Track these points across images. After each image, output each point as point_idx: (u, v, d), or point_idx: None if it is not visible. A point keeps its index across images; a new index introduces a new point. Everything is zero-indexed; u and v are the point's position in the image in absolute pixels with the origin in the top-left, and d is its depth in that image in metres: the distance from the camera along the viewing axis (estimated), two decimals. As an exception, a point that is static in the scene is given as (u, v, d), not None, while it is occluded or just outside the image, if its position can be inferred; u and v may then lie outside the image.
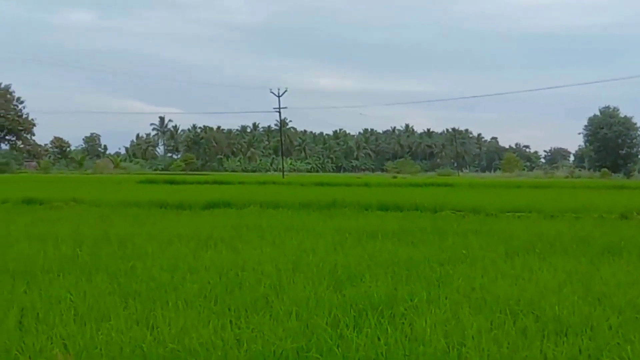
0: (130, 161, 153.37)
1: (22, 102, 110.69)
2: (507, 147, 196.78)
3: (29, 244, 9.87)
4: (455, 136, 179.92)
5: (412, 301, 6.10)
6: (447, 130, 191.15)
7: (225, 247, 9.99)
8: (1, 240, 10.29)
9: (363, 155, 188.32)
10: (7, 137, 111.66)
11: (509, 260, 8.90)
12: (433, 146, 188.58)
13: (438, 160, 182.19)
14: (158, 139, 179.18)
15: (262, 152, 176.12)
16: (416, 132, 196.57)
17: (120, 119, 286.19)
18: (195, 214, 17.67)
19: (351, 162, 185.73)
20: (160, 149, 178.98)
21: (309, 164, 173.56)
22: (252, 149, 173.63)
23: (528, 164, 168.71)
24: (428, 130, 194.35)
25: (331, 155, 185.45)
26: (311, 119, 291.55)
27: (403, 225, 13.76)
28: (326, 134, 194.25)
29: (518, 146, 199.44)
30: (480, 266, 8.31)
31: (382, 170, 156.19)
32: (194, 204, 20.36)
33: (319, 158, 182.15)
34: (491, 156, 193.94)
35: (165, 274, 7.30)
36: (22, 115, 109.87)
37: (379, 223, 14.36)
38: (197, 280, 6.98)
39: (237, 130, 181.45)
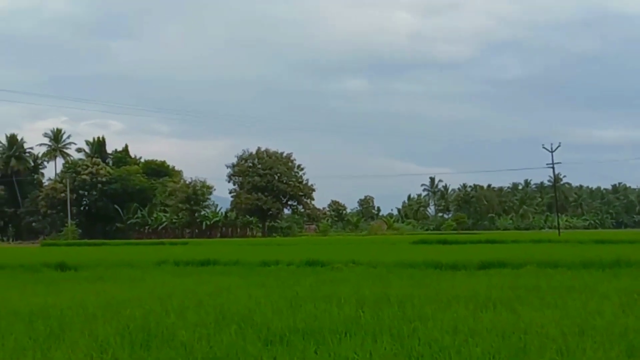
0: (403, 222, 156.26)
1: (302, 169, 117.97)
2: None
3: (314, 304, 10.33)
4: None
5: None
6: None
7: (504, 308, 9.74)
8: (290, 301, 10.89)
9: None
10: (289, 203, 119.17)
11: None
12: None
13: None
14: (429, 200, 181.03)
15: (535, 209, 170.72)
16: None
17: (392, 180, 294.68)
18: (470, 274, 17.49)
19: (633, 218, 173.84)
20: (431, 209, 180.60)
21: (586, 220, 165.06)
22: (524, 207, 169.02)
23: None
24: None
25: (610, 211, 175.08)
26: (587, 173, 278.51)
27: (702, 286, 12.53)
28: (604, 189, 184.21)
29: None
30: None
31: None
32: (468, 263, 20.18)
33: (597, 214, 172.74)
34: None
35: (446, 336, 7.26)
36: (302, 182, 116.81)
37: (672, 283, 13.22)
38: (479, 343, 6.86)
39: (508, 187, 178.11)
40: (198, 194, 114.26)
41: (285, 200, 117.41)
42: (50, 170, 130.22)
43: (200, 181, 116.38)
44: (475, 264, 20.07)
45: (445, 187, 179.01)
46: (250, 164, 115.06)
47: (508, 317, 8.76)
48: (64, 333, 7.90)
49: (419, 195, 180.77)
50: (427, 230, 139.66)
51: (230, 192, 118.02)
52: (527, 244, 40.34)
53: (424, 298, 11.02)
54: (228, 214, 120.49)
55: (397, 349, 6.66)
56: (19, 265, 23.50)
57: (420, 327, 7.91)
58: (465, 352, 6.46)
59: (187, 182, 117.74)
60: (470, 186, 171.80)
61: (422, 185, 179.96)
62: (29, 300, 11.73)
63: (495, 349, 6.59)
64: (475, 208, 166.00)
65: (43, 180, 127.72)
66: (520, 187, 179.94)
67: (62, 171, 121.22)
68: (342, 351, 6.53)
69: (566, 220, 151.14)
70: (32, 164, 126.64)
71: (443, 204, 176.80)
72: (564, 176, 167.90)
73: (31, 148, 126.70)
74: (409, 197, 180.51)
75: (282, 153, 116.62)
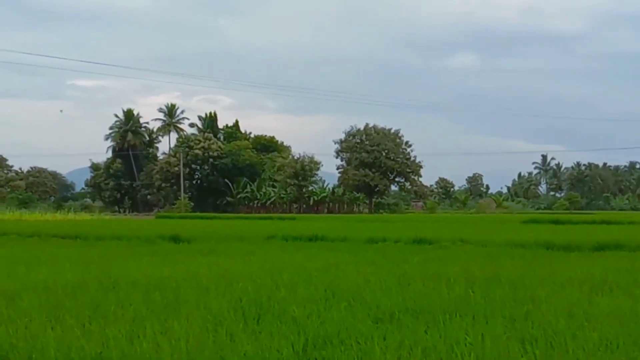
0: (512, 200, 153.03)
1: (410, 146, 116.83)
2: None
3: (423, 283, 10.29)
4: None
5: None
6: None
7: (621, 292, 9.41)
8: (399, 279, 10.87)
9: None
10: (396, 179, 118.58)
11: None
12: None
13: None
14: (540, 178, 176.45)
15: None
16: None
17: (501, 158, 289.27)
18: (584, 255, 16.97)
19: None
20: (542, 188, 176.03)
21: None
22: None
23: None
24: None
25: None
26: None
27: None
28: None
29: None
30: None
31: None
32: (582, 245, 19.58)
33: None
34: None
35: (561, 319, 7.08)
36: (409, 158, 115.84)
37: None
38: (596, 328, 6.66)
39: (624, 166, 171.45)
40: (306, 169, 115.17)
41: (392, 177, 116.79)
42: (165, 145, 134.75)
43: (308, 157, 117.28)
44: (589, 245, 19.45)
45: (558, 165, 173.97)
46: (358, 140, 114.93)
47: (626, 302, 8.47)
48: (179, 305, 8.16)
49: (530, 174, 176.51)
50: (538, 209, 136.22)
51: (337, 168, 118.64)
52: (644, 225, 38.76)
53: (536, 279, 10.78)
54: (335, 190, 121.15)
55: (510, 332, 6.53)
56: (135, 237, 24.39)
57: (533, 310, 7.75)
58: (582, 337, 6.28)
59: (295, 158, 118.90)
60: (584, 164, 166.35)
61: (534, 163, 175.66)
62: (146, 271, 12.14)
63: (612, 334, 6.38)
64: (589, 187, 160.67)
65: (158, 154, 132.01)
66: (638, 166, 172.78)
67: (175, 145, 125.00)
68: (452, 332, 6.46)
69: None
70: (148, 138, 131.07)
71: (555, 182, 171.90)
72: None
73: (147, 123, 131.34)
74: (519, 175, 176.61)
75: (389, 129, 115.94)
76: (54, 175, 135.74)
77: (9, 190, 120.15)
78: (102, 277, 10.96)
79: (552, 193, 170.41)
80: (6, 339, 6.33)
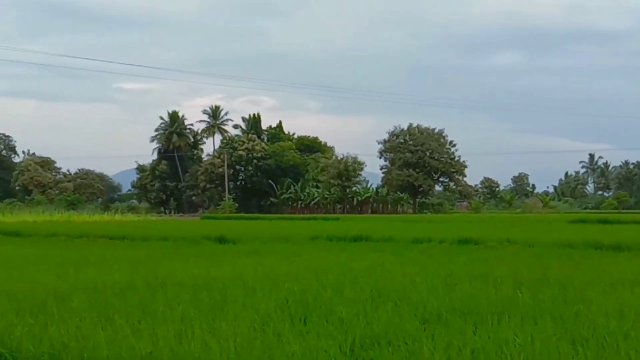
0: (559, 200, 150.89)
1: (454, 145, 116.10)
2: None
3: (470, 283, 10.20)
4: None
5: None
6: None
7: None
8: (445, 279, 10.80)
9: None
10: (440, 179, 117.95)
11: None
12: None
13: None
14: (587, 177, 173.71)
15: None
16: None
17: (548, 157, 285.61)
18: (634, 255, 16.69)
19: None
20: (590, 187, 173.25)
21: None
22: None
23: None
24: None
25: None
26: None
27: None
28: None
29: None
30: None
31: None
32: (632, 244, 19.23)
33: None
34: None
35: (612, 320, 6.96)
36: (454, 158, 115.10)
37: None
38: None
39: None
40: (349, 169, 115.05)
41: (436, 177, 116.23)
42: (209, 146, 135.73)
43: (352, 157, 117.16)
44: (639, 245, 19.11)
45: (606, 164, 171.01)
46: (402, 140, 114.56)
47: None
48: (226, 305, 8.22)
49: (577, 173, 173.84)
50: (585, 209, 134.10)
51: (381, 168, 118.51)
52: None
53: (586, 280, 10.61)
54: (379, 190, 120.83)
55: (560, 333, 6.44)
56: (181, 238, 24.65)
57: (583, 311, 7.63)
58: (634, 337, 6.18)
59: (339, 158, 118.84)
60: (632, 163, 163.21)
61: (581, 162, 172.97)
62: (192, 271, 12.25)
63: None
64: (638, 186, 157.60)
65: (202, 156, 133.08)
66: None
67: (220, 147, 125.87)
68: (501, 333, 6.40)
69: None
70: (192, 139, 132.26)
71: (603, 181, 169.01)
72: None
73: (191, 124, 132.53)
74: (566, 174, 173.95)
75: (433, 129, 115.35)
76: (101, 177, 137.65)
77: (57, 192, 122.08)
78: (150, 278, 11.09)
79: (599, 192, 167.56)
80: (58, 338, 6.43)
